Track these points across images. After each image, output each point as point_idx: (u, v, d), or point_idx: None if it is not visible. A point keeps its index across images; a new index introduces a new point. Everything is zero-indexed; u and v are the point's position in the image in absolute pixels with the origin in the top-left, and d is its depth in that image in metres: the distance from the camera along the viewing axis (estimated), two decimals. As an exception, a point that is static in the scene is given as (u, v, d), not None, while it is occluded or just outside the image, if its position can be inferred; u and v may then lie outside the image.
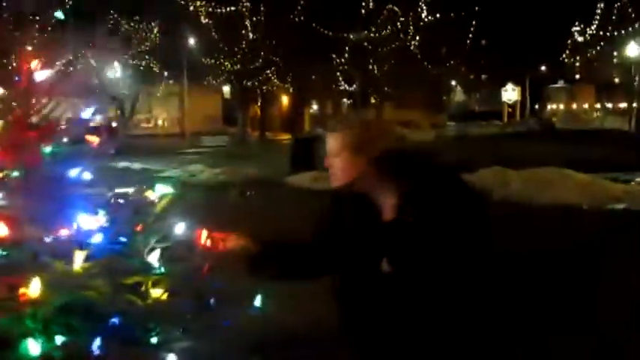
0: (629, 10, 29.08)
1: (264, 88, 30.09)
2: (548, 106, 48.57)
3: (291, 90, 31.71)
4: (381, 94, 31.31)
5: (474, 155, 16.37)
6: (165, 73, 30.35)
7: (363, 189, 1.88)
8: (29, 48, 2.16)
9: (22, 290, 1.87)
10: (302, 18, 26.43)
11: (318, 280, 2.08)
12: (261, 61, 27.48)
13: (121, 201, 2.37)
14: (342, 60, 28.13)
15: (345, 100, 32.53)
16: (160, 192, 2.29)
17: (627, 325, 4.31)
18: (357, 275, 1.91)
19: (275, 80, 29.79)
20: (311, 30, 26.24)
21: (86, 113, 2.21)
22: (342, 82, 29.58)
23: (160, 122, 39.73)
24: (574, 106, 49.61)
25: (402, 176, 1.82)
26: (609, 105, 43.98)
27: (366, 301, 1.90)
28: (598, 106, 45.69)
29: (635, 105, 32.71)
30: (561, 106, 49.44)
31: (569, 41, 35.36)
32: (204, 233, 2.10)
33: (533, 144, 20.50)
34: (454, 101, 44.04)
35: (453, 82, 40.43)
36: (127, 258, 2.21)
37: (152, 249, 2.25)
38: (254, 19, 26.53)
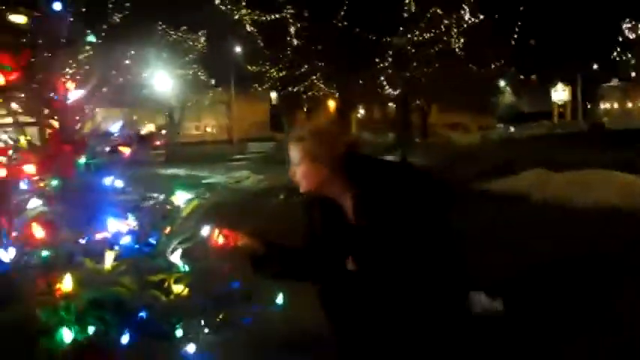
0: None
1: (309, 93, 30.37)
2: (602, 106, 47.23)
3: (336, 95, 31.92)
4: (427, 97, 31.17)
5: (520, 157, 16.16)
6: (213, 82, 31.03)
7: (326, 193, 2.03)
8: (65, 70, 2.41)
9: (58, 286, 2.11)
10: (345, 23, 26.62)
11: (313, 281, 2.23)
12: (306, 67, 27.76)
13: (150, 206, 2.59)
14: (386, 64, 28.15)
15: (390, 104, 32.53)
16: (184, 197, 2.51)
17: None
18: (330, 275, 2.06)
19: (320, 85, 30.01)
20: (354, 34, 26.39)
21: (115, 127, 2.45)
22: (387, 86, 29.58)
23: (208, 129, 40.55)
24: (629, 105, 48.02)
25: (356, 179, 1.96)
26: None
27: (343, 300, 2.04)
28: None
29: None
30: (615, 106, 47.96)
31: (620, 38, 34.44)
32: (216, 232, 2.29)
33: (582, 145, 20.05)
34: (503, 103, 43.35)
35: (502, 83, 39.80)
36: (153, 258, 2.44)
37: (175, 249, 2.47)
38: (298, 25, 26.85)
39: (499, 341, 3.84)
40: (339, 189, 2.02)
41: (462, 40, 27.21)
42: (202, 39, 28.50)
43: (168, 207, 2.55)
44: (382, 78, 28.81)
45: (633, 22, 32.50)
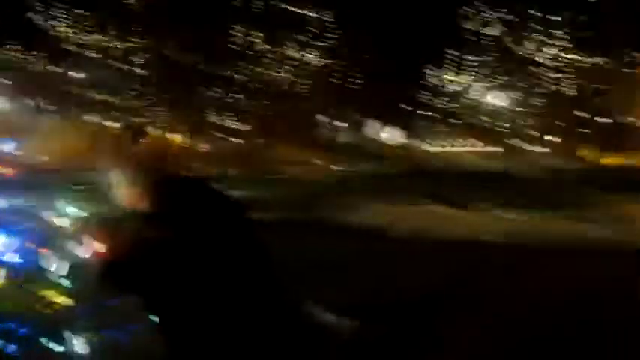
0: (491, 62, 32.64)
1: (148, 124, 29.91)
2: (423, 147, 51.02)
3: (178, 127, 31.54)
4: (263, 131, 31.91)
5: (370, 192, 17.06)
6: (48, 107, 29.34)
7: (144, 211, 2.27)
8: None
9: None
10: (194, 59, 26.77)
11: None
12: (145, 97, 27.37)
13: (33, 225, 2.62)
14: (234, 99, 28.59)
15: (229, 137, 32.87)
16: (67, 216, 2.56)
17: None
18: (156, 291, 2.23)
19: (162, 117, 29.71)
20: (194, 66, 26.55)
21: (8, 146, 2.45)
22: (235, 120, 29.94)
23: (41, 157, 37.90)
24: (447, 147, 52.31)
25: (168, 200, 2.22)
26: (479, 147, 47.28)
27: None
28: (469, 148, 48.82)
29: (501, 148, 35.79)
30: (436, 147, 52.03)
31: (440, 86, 38.18)
32: (98, 245, 2.39)
33: (411, 182, 21.52)
34: (334, 139, 45.36)
35: (334, 122, 41.99)
36: (37, 273, 2.46)
37: (58, 265, 2.52)
38: (145, 55, 26.48)
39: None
40: (152, 208, 2.22)
41: (297, 78, 28.41)
42: (39, 61, 26.93)
43: (51, 226, 2.60)
44: (230, 113, 29.17)
45: (453, 73, 36.23)
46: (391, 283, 6.95)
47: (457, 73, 36.18)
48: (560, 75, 32.09)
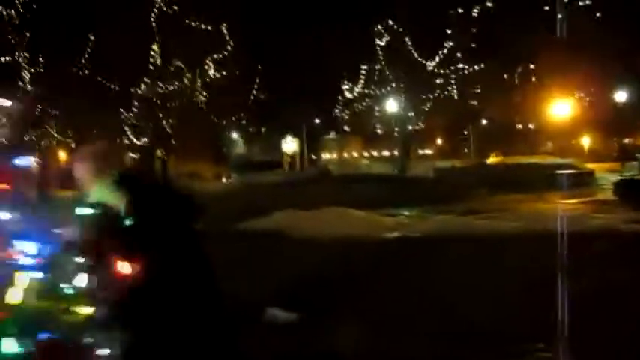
0: (387, 72, 34.02)
1: (42, 142, 28.71)
2: (324, 156, 52.46)
3: (72, 145, 30.48)
4: (168, 147, 31.63)
5: (265, 201, 17.59)
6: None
7: (106, 202, 2.56)
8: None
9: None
10: (86, 71, 26.07)
11: None
12: (39, 113, 26.31)
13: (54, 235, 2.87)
14: (130, 114, 28.10)
15: (131, 154, 32.11)
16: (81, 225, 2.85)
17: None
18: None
19: (55, 134, 28.63)
20: (96, 83, 25.90)
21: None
22: (130, 136, 29.34)
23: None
24: (345, 154, 54.14)
25: (126, 191, 2.51)
26: (375, 153, 49.40)
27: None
28: (365, 154, 50.79)
29: (396, 152, 37.55)
30: (334, 155, 53.67)
31: (339, 97, 39.57)
32: (120, 261, 2.63)
33: (315, 189, 22.28)
34: (235, 153, 45.62)
35: (234, 135, 42.17)
36: (59, 281, 2.75)
37: (78, 273, 2.82)
38: (32, 70, 25.48)
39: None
40: (113, 199, 2.57)
41: (204, 94, 28.52)
42: None
43: (67, 236, 2.87)
44: (126, 128, 28.58)
45: (351, 84, 37.67)
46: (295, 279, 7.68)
47: (353, 83, 37.61)
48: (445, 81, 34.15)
